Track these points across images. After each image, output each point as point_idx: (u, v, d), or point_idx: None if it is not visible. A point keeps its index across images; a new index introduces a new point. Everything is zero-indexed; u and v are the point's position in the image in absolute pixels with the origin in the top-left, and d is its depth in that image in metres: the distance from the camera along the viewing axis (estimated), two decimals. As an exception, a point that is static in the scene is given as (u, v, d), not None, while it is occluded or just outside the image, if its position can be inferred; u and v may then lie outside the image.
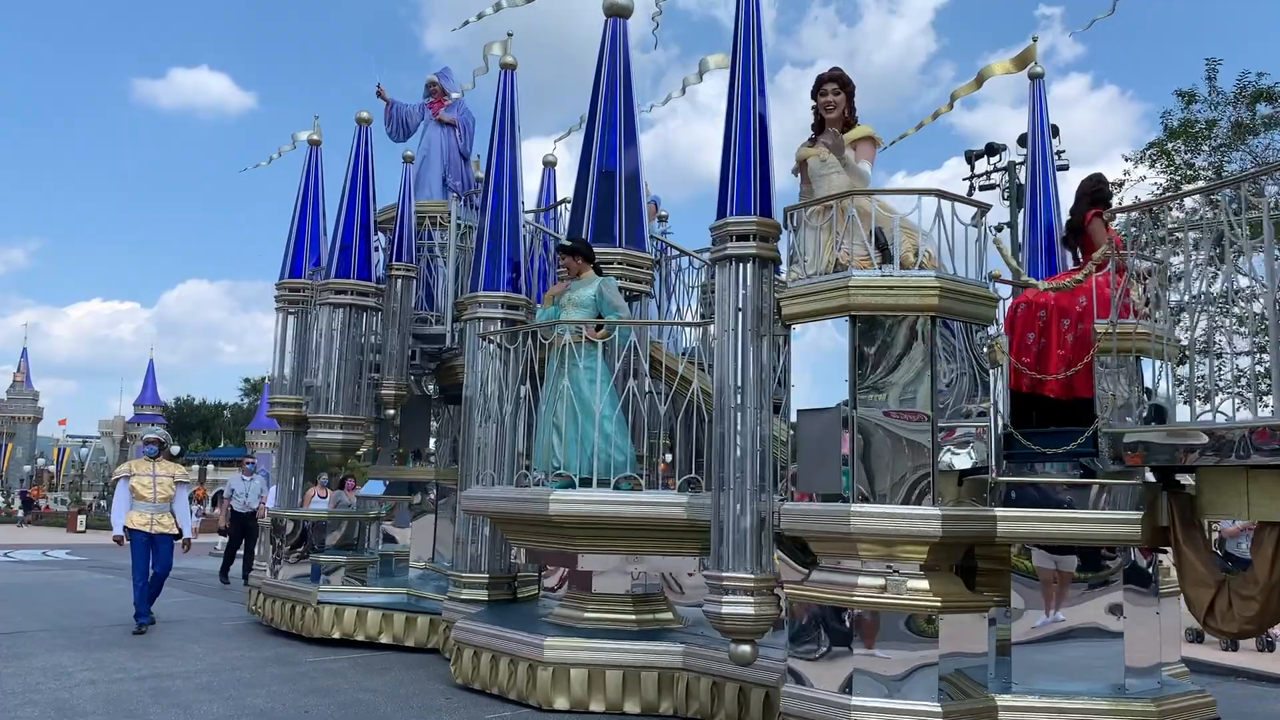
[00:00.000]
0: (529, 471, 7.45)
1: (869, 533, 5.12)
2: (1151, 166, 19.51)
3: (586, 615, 7.39)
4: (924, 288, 5.24)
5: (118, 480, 10.48)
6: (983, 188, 22.60)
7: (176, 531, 10.31)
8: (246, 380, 73.73)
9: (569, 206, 10.65)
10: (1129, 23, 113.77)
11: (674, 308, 9.27)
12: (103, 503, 54.35)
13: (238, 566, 15.29)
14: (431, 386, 11.11)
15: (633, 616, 7.37)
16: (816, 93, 6.07)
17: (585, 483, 6.95)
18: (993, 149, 22.76)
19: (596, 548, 7.10)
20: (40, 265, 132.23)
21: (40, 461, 62.72)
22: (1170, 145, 19.13)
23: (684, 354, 8.29)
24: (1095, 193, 6.64)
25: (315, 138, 11.80)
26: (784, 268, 5.96)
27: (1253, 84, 18.06)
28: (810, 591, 5.36)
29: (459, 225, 10.44)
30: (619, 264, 7.89)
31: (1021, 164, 18.73)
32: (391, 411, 9.97)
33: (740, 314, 5.75)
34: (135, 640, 9.44)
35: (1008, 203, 21.83)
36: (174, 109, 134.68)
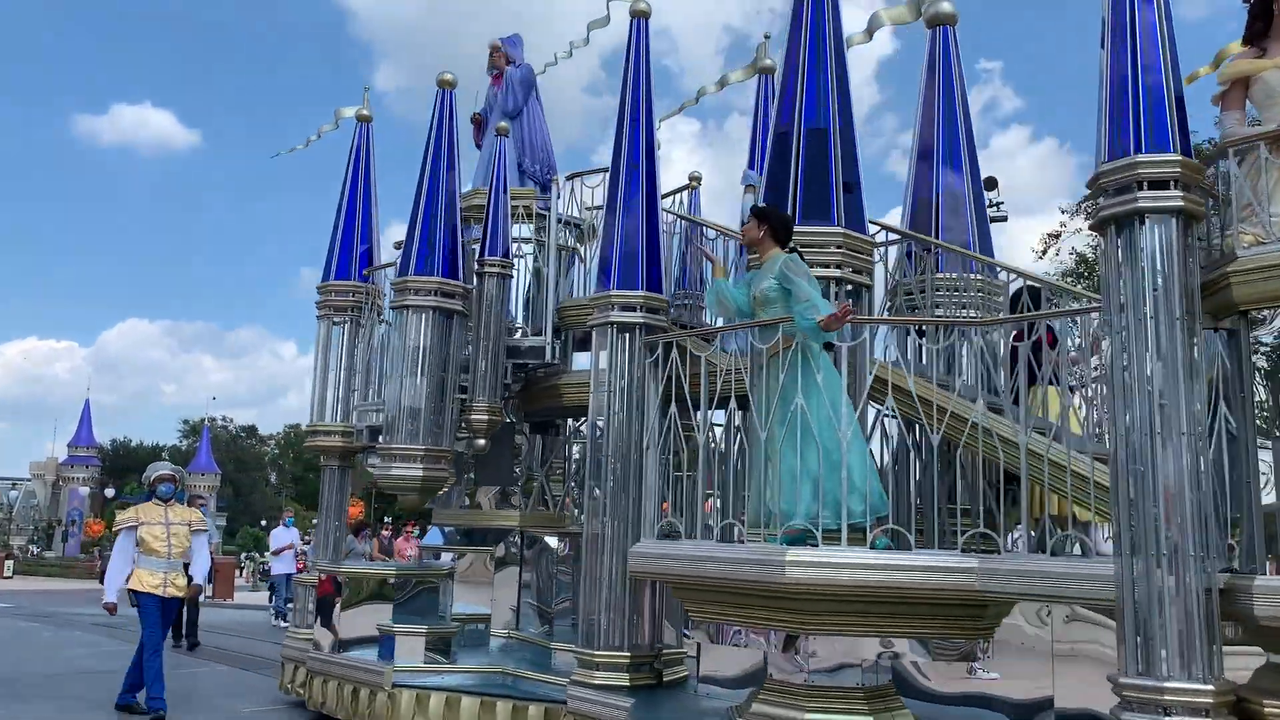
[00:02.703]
0: (737, 522, 5.55)
1: None
2: (1089, 219, 18.11)
3: (806, 716, 5.47)
4: None
5: (119, 531, 8.31)
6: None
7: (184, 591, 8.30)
8: (185, 422, 71.07)
9: (694, 191, 8.93)
10: (1069, 76, 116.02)
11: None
12: (34, 548, 50.61)
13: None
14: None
15: (869, 718, 5.47)
16: None
17: (828, 537, 5.10)
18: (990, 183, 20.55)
19: (839, 626, 5.21)
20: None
21: (-34, 503, 58.45)
22: None
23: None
24: None
25: (365, 113, 9.87)
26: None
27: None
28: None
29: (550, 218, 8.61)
30: (838, 249, 5.99)
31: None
32: (483, 441, 7.94)
33: (1155, 295, 3.96)
34: (66, 692, 8.51)
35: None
36: (115, 145, 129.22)
